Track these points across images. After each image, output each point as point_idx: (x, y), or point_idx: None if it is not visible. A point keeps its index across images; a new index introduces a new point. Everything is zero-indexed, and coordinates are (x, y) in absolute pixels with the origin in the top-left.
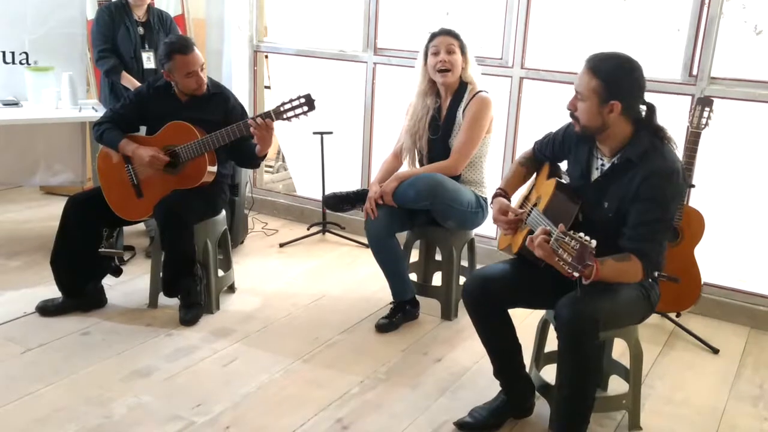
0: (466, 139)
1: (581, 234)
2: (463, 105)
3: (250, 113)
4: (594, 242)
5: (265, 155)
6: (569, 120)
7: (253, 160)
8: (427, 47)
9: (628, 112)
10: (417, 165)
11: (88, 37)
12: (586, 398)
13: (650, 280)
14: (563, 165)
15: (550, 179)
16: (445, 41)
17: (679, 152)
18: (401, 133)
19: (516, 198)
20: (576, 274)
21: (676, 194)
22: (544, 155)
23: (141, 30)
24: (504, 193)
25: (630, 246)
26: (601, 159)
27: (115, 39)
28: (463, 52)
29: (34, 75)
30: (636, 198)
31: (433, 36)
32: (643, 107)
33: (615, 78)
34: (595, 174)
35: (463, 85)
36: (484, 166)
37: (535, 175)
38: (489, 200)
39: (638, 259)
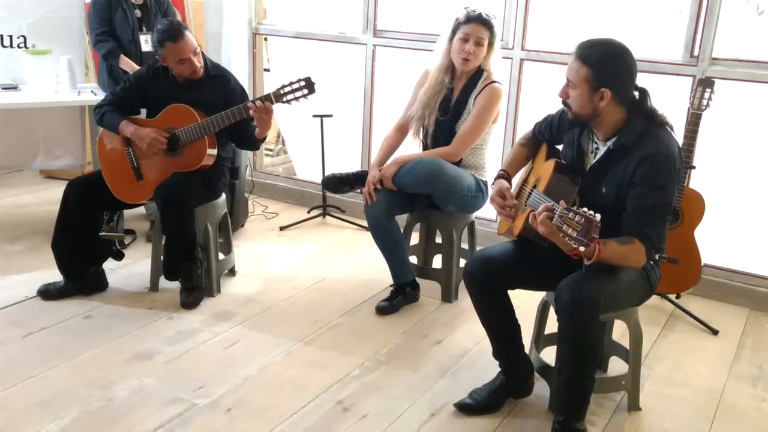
0: (471, 128)
1: (585, 209)
2: (476, 92)
3: (249, 96)
4: (598, 216)
5: (265, 138)
6: None
7: (253, 143)
8: (457, 27)
9: (619, 98)
10: (421, 138)
11: (86, 20)
12: (586, 379)
13: (650, 261)
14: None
15: (549, 160)
16: (478, 32)
17: (679, 134)
18: (408, 104)
19: (514, 183)
20: (582, 248)
21: (673, 176)
22: (543, 136)
23: (138, 13)
24: (506, 174)
25: (631, 230)
26: (596, 143)
27: (112, 22)
28: (491, 44)
29: (32, 58)
30: (633, 183)
31: (469, 20)
32: (636, 92)
33: (604, 65)
34: (591, 157)
35: (479, 72)
36: (486, 150)
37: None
38: (490, 183)
39: (641, 243)
